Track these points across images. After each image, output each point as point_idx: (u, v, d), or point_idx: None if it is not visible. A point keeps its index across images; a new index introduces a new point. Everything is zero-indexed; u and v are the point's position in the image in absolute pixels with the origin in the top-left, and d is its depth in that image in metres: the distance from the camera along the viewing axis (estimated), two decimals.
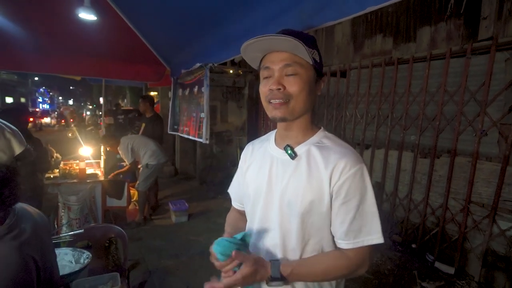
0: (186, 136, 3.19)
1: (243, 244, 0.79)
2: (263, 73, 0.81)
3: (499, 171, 2.40)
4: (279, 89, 0.76)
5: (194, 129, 2.92)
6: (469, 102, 2.61)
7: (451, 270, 2.65)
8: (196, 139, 2.86)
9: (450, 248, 2.77)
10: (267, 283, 0.76)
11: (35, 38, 2.86)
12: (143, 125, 4.20)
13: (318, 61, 0.80)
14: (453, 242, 2.74)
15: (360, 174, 0.76)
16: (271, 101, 0.78)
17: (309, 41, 0.78)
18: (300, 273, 0.77)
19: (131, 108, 10.61)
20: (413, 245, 3.06)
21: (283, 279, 0.75)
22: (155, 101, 10.39)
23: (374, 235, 0.76)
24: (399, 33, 3.17)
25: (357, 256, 0.77)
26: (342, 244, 0.77)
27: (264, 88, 0.80)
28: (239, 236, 0.79)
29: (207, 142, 2.62)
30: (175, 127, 3.60)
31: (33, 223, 0.84)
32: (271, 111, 0.80)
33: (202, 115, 2.67)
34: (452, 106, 2.74)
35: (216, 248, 0.76)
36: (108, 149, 3.70)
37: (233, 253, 0.73)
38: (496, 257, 2.45)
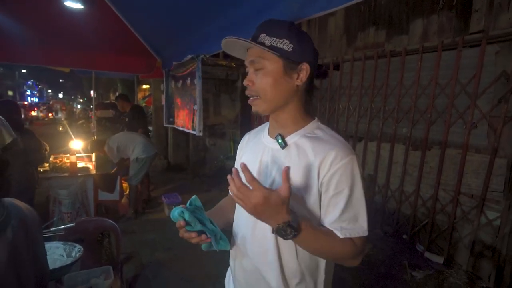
0: (181, 129, 3.17)
1: (195, 208, 0.80)
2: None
3: (488, 163, 2.45)
4: (249, 84, 0.80)
5: (188, 121, 2.89)
6: (459, 95, 2.64)
7: (440, 260, 2.71)
8: (190, 131, 2.84)
9: (440, 238, 2.83)
10: (277, 229, 0.69)
11: (21, 28, 2.77)
12: (126, 119, 4.37)
13: (290, 49, 0.75)
14: (442, 232, 2.80)
15: (351, 166, 0.75)
16: (249, 96, 0.82)
17: (277, 30, 0.76)
18: (313, 234, 0.73)
19: None
20: (404, 236, 3.12)
21: (298, 231, 0.69)
22: (147, 94, 10.26)
23: (361, 228, 0.76)
24: (392, 25, 3.18)
25: (347, 246, 0.75)
26: None
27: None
28: (188, 203, 0.80)
29: (201, 134, 2.60)
30: (171, 119, 3.56)
31: (24, 219, 0.80)
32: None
33: (195, 107, 2.64)
34: (443, 98, 2.77)
35: (173, 215, 0.77)
36: (100, 154, 3.66)
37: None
38: (484, 246, 2.52)
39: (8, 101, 2.95)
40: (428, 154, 2.93)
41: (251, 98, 0.81)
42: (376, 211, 3.35)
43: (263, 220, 0.71)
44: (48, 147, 2.86)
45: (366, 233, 0.76)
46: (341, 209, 0.74)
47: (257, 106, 0.81)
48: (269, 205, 0.66)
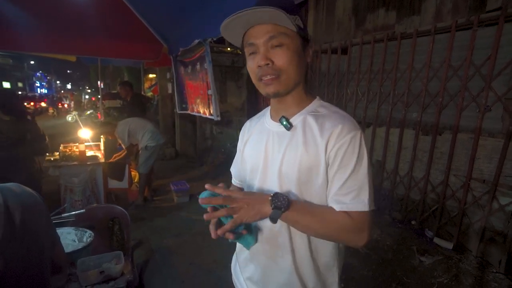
0: (197, 114, 3.17)
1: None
2: (247, 50, 0.77)
3: (501, 147, 2.38)
4: (268, 64, 0.73)
5: (203, 107, 2.88)
6: (473, 77, 2.55)
7: (449, 245, 2.69)
8: (208, 116, 2.84)
9: (450, 224, 2.80)
10: (272, 202, 0.71)
11: (25, 16, 2.76)
12: (127, 108, 4.38)
13: (302, 27, 0.76)
14: (452, 218, 2.76)
15: (356, 140, 0.73)
16: (262, 78, 0.75)
17: (290, 8, 0.73)
18: (301, 207, 0.73)
19: None
20: (413, 222, 3.09)
21: (288, 199, 0.71)
22: (153, 83, 10.27)
23: (362, 202, 0.72)
24: (402, 6, 3.05)
25: (341, 220, 0.72)
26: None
27: (252, 66, 0.77)
28: None
29: (219, 118, 2.59)
30: (184, 106, 3.54)
31: (21, 206, 0.71)
32: (264, 89, 0.77)
33: (210, 92, 2.62)
34: (455, 81, 2.68)
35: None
36: (109, 137, 3.68)
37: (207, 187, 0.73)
38: (494, 232, 2.48)
39: (8, 89, 2.98)
40: (439, 139, 2.86)
41: (268, 78, 0.75)
42: (384, 197, 3.32)
43: (263, 212, 0.72)
44: (47, 137, 2.90)
45: (366, 208, 0.72)
46: (342, 184, 0.73)
47: (278, 86, 0.75)
48: (251, 198, 0.73)
